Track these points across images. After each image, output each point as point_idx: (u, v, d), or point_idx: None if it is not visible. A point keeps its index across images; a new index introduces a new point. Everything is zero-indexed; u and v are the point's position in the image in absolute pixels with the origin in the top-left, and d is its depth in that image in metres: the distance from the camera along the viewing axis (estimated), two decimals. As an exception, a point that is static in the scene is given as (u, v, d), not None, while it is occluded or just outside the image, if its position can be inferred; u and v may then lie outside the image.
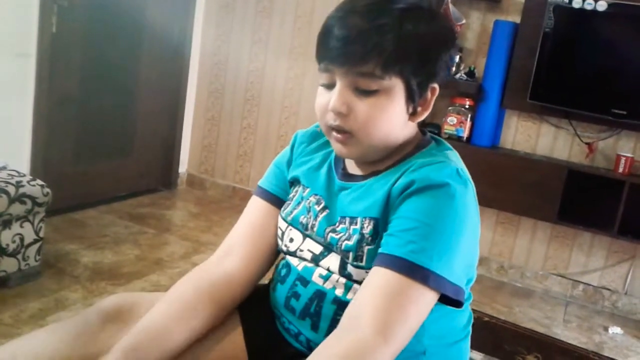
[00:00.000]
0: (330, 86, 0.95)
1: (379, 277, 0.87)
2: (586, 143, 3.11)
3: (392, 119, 0.95)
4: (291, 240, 1.06)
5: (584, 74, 3.03)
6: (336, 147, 0.99)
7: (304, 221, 1.04)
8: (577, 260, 3.24)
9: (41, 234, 2.37)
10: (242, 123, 3.96)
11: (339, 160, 1.07)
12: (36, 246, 2.35)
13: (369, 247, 0.93)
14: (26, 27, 2.81)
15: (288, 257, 1.08)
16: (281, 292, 1.05)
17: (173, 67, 3.86)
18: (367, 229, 0.94)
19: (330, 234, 0.99)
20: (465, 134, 3.19)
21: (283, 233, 1.08)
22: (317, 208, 1.04)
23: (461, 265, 0.90)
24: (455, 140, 3.18)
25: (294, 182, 1.12)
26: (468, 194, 0.92)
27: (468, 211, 0.91)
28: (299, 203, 1.07)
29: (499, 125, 3.30)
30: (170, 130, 3.96)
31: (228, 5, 3.88)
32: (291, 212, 1.07)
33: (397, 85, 0.92)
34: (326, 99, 0.95)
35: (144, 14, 3.52)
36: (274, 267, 1.14)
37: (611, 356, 2.64)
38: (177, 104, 3.95)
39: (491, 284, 3.27)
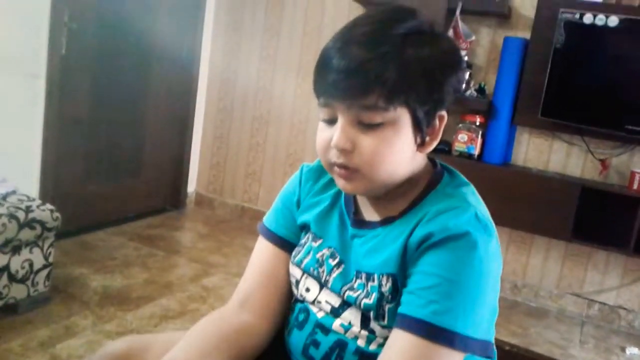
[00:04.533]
0: (331, 121, 0.89)
1: (403, 342, 0.82)
2: (599, 159, 3.07)
3: (400, 152, 0.88)
4: (307, 290, 1.01)
5: (596, 89, 3.00)
6: (340, 184, 0.93)
7: (315, 273, 0.99)
8: (593, 279, 3.18)
9: (50, 259, 2.35)
10: (251, 141, 3.94)
11: (350, 202, 1.02)
12: (45, 271, 2.33)
13: (390, 305, 0.88)
14: (36, 49, 2.81)
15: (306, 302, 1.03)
16: (299, 339, 1.00)
17: (181, 86, 3.86)
18: (386, 286, 0.89)
19: (348, 292, 0.93)
20: (476, 152, 3.16)
21: (298, 281, 1.02)
22: (332, 262, 0.98)
23: (487, 317, 0.85)
24: (466, 157, 3.15)
25: (304, 227, 1.06)
26: (490, 240, 0.86)
27: (491, 259, 0.85)
28: (309, 252, 1.01)
29: (511, 142, 3.27)
30: (178, 149, 3.96)
31: (236, 22, 3.89)
32: (302, 260, 1.02)
33: (403, 116, 0.86)
34: (328, 135, 0.89)
35: (153, 34, 3.53)
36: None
37: (630, 378, 2.58)
38: (185, 122, 3.95)
39: (505, 304, 3.22)
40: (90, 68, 3.16)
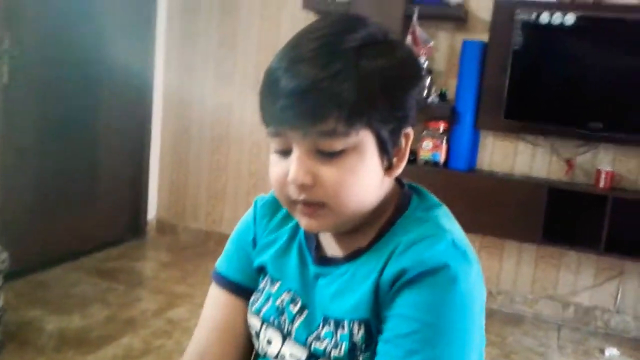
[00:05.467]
0: (285, 152, 0.78)
1: None
2: (565, 159, 3.04)
3: (367, 179, 0.78)
4: (269, 342, 0.88)
5: (557, 89, 2.98)
6: (303, 222, 0.81)
7: (276, 323, 0.87)
8: (566, 280, 3.15)
9: (0, 303, 2.18)
10: (212, 161, 3.82)
11: (311, 236, 0.90)
12: (-6, 320, 2.17)
13: (364, 354, 0.77)
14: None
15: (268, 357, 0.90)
16: None
17: (135, 107, 3.72)
18: (358, 334, 0.77)
19: (314, 343, 0.81)
20: (441, 159, 3.10)
21: (258, 333, 0.89)
22: (293, 309, 0.86)
23: (475, 356, 0.75)
24: (432, 165, 3.08)
25: (261, 269, 0.93)
26: (470, 269, 0.76)
27: (474, 291, 0.75)
28: (267, 299, 0.89)
29: (475, 146, 3.22)
30: (135, 174, 3.80)
31: (190, 37, 3.76)
32: (260, 308, 0.89)
33: (366, 139, 0.76)
34: (283, 169, 0.78)
35: (102, 55, 3.38)
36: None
37: (612, 380, 2.54)
38: (141, 146, 3.80)
39: (481, 312, 3.15)
40: (36, 95, 3.00)
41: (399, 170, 0.83)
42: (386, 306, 0.75)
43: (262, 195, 0.99)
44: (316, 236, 0.89)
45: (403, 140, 0.81)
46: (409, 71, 0.79)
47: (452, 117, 3.11)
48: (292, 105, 0.72)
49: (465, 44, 3.10)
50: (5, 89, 2.79)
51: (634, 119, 2.85)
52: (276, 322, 0.86)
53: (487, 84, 3.09)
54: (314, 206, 0.77)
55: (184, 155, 3.88)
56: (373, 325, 0.76)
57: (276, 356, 0.86)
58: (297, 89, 0.72)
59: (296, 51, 0.75)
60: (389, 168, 0.81)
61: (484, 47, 3.09)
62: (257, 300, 0.90)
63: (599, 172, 2.90)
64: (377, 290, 0.76)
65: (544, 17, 2.85)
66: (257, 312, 0.89)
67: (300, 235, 0.91)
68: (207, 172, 3.83)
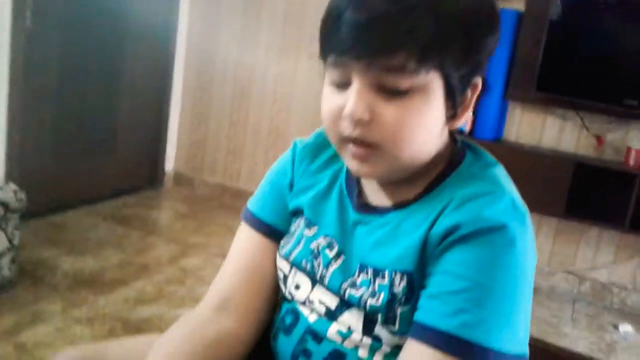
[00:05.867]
0: (343, 85, 0.72)
1: (424, 358, 0.66)
2: (595, 135, 2.96)
3: (429, 126, 0.72)
4: (297, 287, 0.84)
5: (592, 63, 2.88)
6: (352, 165, 0.75)
7: (309, 267, 0.82)
8: (585, 256, 3.10)
9: (15, 242, 2.18)
10: (232, 118, 3.77)
11: (353, 182, 0.85)
12: (10, 255, 2.16)
13: (403, 308, 0.72)
14: (-2, 18, 2.61)
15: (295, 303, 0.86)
16: (286, 345, 0.84)
17: (158, 60, 3.67)
18: (399, 286, 0.73)
19: (349, 290, 0.77)
20: (467, 127, 3.03)
21: (286, 277, 0.85)
22: (330, 254, 0.81)
23: (523, 325, 0.70)
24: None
25: (297, 212, 0.89)
26: (527, 233, 0.71)
27: (529, 257, 0.70)
28: (299, 242, 0.85)
29: (503, 117, 3.15)
30: (155, 126, 3.77)
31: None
32: (291, 251, 0.85)
33: (434, 82, 0.69)
34: (338, 103, 0.72)
35: (127, 5, 3.32)
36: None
37: (625, 357, 2.50)
38: (162, 98, 3.76)
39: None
40: (59, 40, 2.96)
41: (461, 122, 0.77)
42: (433, 262, 0.71)
43: (301, 138, 0.94)
44: (358, 182, 0.84)
45: (470, 91, 0.75)
46: (488, 16, 0.73)
47: (481, 85, 3.03)
48: (360, 34, 0.67)
49: (500, 11, 3.00)
50: (29, 31, 2.74)
51: (669, 98, 2.76)
52: (309, 265, 0.82)
53: (520, 54, 2.99)
54: (367, 148, 0.72)
55: (205, 111, 3.84)
56: (416, 279, 0.72)
57: (303, 302, 0.83)
58: (367, 17, 0.66)
59: None
60: (452, 117, 0.75)
61: (520, 17, 2.99)
62: (287, 243, 0.87)
63: (629, 150, 2.82)
64: (425, 243, 0.72)
65: (585, -13, 2.74)
66: (287, 255, 0.85)
67: (342, 180, 0.86)
68: (226, 129, 3.80)
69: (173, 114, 3.86)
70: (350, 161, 0.75)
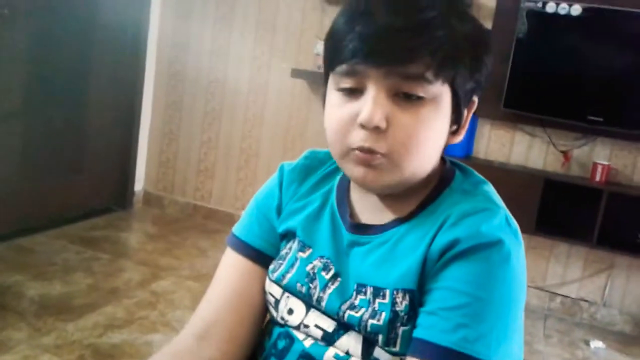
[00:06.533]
0: (354, 92, 0.72)
1: None
2: (562, 151, 3.02)
3: (436, 137, 0.74)
4: (290, 311, 0.82)
5: (558, 80, 2.94)
6: (357, 173, 0.74)
7: (304, 290, 0.81)
8: (555, 271, 3.14)
9: (-21, 267, 2.11)
10: (203, 137, 3.74)
11: (344, 202, 0.84)
12: (-27, 281, 2.10)
13: (405, 327, 0.72)
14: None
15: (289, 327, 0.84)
16: None
17: (127, 76, 3.62)
18: (402, 305, 0.72)
19: (348, 312, 0.76)
20: (437, 144, 3.06)
21: (277, 301, 0.84)
22: (326, 276, 0.80)
23: (519, 340, 0.71)
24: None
25: (288, 235, 0.88)
26: (520, 249, 0.73)
27: (523, 272, 0.72)
28: (292, 264, 0.84)
29: (472, 134, 3.19)
30: (124, 145, 3.71)
31: (185, 5, 3.67)
32: (283, 275, 0.83)
33: (444, 94, 0.72)
34: (350, 111, 0.72)
35: (94, 19, 3.28)
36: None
37: (597, 373, 2.53)
38: (132, 116, 3.71)
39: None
40: (25, 57, 2.90)
41: (460, 138, 0.80)
42: (431, 278, 0.72)
43: (287, 161, 0.94)
44: (349, 202, 0.84)
45: (468, 108, 0.79)
46: (486, 37, 0.78)
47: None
48: (383, 42, 0.68)
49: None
50: (-6, 48, 2.69)
51: (633, 114, 2.83)
52: (305, 289, 0.81)
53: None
54: (375, 156, 0.72)
55: (175, 130, 3.80)
56: (417, 297, 0.72)
57: (297, 326, 0.81)
58: (390, 26, 0.68)
59: None
60: (453, 133, 0.78)
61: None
62: (278, 267, 0.85)
63: (595, 165, 2.88)
64: (425, 260, 0.72)
65: (550, 6, 2.81)
66: (279, 279, 0.84)
67: (332, 201, 0.86)
68: (197, 147, 3.76)
69: (142, 133, 3.81)
70: (354, 169, 0.75)
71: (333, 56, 0.73)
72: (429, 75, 0.69)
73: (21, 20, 2.82)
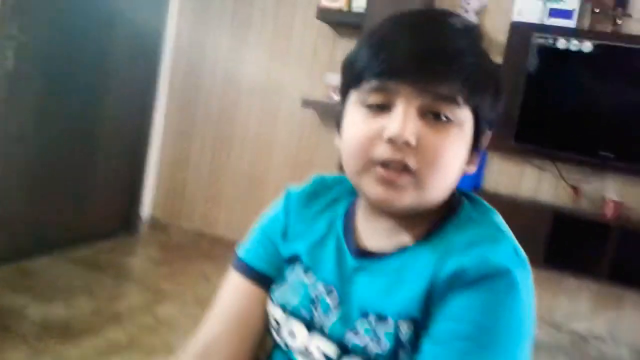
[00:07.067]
0: (382, 108, 0.72)
1: None
2: (572, 186, 2.99)
3: (458, 162, 0.74)
4: (292, 335, 0.81)
5: (569, 115, 2.94)
6: (377, 191, 0.73)
7: (307, 315, 0.80)
8: (562, 306, 3.08)
9: (-18, 287, 2.10)
10: (211, 164, 3.75)
11: (350, 228, 0.84)
12: (-25, 301, 2.08)
13: (408, 355, 0.71)
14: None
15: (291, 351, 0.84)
16: None
17: (138, 103, 3.66)
18: (405, 334, 0.71)
19: (352, 339, 0.75)
20: (446, 176, 3.05)
21: (279, 325, 0.83)
22: (330, 302, 0.80)
23: None
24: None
25: (292, 259, 0.87)
26: (529, 279, 0.71)
27: (531, 302, 0.71)
28: (296, 289, 0.83)
29: (481, 167, 3.18)
30: (133, 170, 3.73)
31: (198, 27, 3.72)
32: (287, 299, 0.83)
33: (468, 121, 0.74)
34: (376, 126, 0.72)
35: (106, 48, 3.32)
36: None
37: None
38: (141, 143, 3.73)
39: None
40: (39, 84, 2.93)
41: (474, 168, 0.80)
42: (437, 306, 0.70)
43: (293, 186, 0.94)
44: (355, 228, 0.84)
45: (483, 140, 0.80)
46: (500, 75, 0.80)
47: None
48: (420, 62, 0.70)
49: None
50: (10, 74, 2.72)
51: (644, 151, 2.82)
52: (307, 314, 0.80)
53: (498, 104, 3.05)
54: (400, 173, 0.71)
55: (184, 157, 3.82)
56: (421, 326, 0.71)
57: (300, 351, 0.80)
58: (427, 48, 0.70)
59: (411, 20, 0.75)
60: (468, 162, 0.78)
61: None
62: (282, 291, 0.84)
63: (605, 201, 2.86)
64: (430, 289, 0.71)
65: (561, 43, 2.82)
66: (282, 303, 0.83)
67: (338, 227, 0.85)
68: (206, 174, 3.77)
69: (152, 159, 3.82)
70: (374, 187, 0.73)
71: (361, 72, 0.73)
72: (460, 99, 0.71)
73: (38, 47, 2.85)
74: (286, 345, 0.82)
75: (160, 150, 3.86)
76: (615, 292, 2.96)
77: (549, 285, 3.09)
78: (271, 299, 0.85)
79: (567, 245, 2.88)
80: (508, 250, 0.71)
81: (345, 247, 0.82)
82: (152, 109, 3.74)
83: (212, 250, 3.56)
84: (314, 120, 3.43)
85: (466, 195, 0.83)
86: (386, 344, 0.72)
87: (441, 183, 0.73)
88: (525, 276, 0.70)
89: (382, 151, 0.71)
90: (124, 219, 3.72)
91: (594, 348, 3.02)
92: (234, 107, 3.66)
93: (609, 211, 2.82)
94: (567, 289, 3.07)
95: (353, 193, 0.88)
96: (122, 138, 3.59)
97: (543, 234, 2.83)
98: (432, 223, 0.78)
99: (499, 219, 0.79)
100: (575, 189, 2.98)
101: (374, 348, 0.72)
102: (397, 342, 0.71)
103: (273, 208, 0.93)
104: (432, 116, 0.71)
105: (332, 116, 3.48)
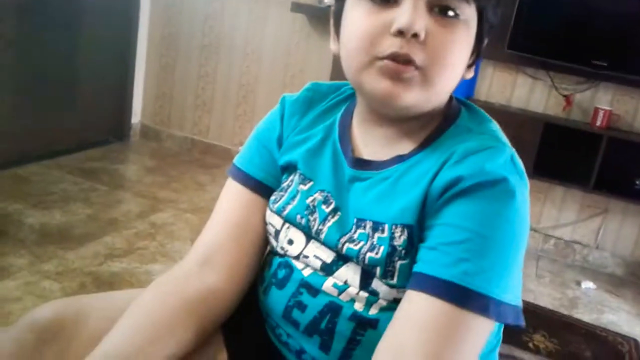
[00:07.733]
0: (388, 1, 0.69)
1: (425, 307, 0.66)
2: (563, 95, 3.00)
3: (463, 62, 0.74)
4: (290, 242, 0.82)
5: (564, 23, 2.89)
6: (383, 86, 0.70)
7: (304, 222, 0.81)
8: (549, 214, 3.18)
9: (-22, 194, 2.11)
10: (200, 71, 3.68)
11: (346, 137, 0.83)
12: (-27, 207, 2.09)
13: (402, 261, 0.72)
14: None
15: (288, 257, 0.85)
16: (279, 299, 0.82)
17: (122, 9, 3.52)
18: (400, 239, 0.72)
19: (347, 245, 0.76)
20: (439, 85, 3.03)
21: (278, 232, 0.84)
22: (326, 209, 0.80)
23: (518, 278, 0.71)
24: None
25: (289, 167, 0.87)
26: (526, 189, 0.72)
27: (527, 211, 0.71)
28: (293, 197, 0.83)
29: (475, 75, 3.15)
30: (120, 77, 3.65)
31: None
32: (284, 206, 0.84)
33: (473, 21, 0.72)
34: (383, 20, 0.69)
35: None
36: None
37: (586, 312, 2.60)
38: (127, 49, 3.63)
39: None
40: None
41: (472, 74, 0.79)
42: (432, 214, 0.71)
43: (289, 93, 0.92)
44: (351, 137, 0.83)
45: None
46: None
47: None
48: None
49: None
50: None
51: (638, 60, 2.80)
52: (304, 221, 0.81)
53: (493, 10, 2.99)
54: (409, 67, 0.69)
55: (171, 63, 3.73)
56: (415, 233, 0.72)
57: (297, 256, 0.82)
58: None
59: None
60: (469, 65, 0.77)
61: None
62: (279, 198, 0.85)
63: (596, 110, 2.87)
64: (426, 197, 0.71)
65: (561, -55, 2.73)
66: (280, 210, 0.84)
67: (335, 135, 0.85)
68: (194, 81, 3.71)
69: (139, 65, 3.74)
70: (379, 81, 0.71)
71: None
72: None
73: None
74: (284, 250, 0.84)
75: (146, 57, 3.77)
76: (601, 201, 3.05)
77: (537, 193, 3.16)
78: (269, 207, 0.86)
79: (557, 154, 2.93)
80: (505, 159, 0.71)
81: (342, 156, 0.82)
82: (136, 15, 3.61)
83: (204, 157, 3.57)
84: (303, 25, 3.34)
85: (464, 104, 0.82)
86: (381, 249, 0.73)
87: (447, 82, 0.72)
88: (522, 185, 0.71)
89: (389, 45, 0.69)
90: (114, 126, 3.68)
91: (579, 254, 3.14)
92: (220, 12, 3.54)
93: (600, 120, 2.85)
94: (554, 198, 3.15)
95: (350, 100, 0.87)
96: (107, 43, 3.49)
97: (533, 144, 2.86)
98: (429, 132, 0.78)
99: (497, 128, 0.79)
100: (567, 97, 2.98)
101: (369, 254, 0.73)
102: (392, 248, 0.72)
103: (269, 116, 0.92)
104: (439, 12, 0.69)
105: (322, 21, 3.41)
